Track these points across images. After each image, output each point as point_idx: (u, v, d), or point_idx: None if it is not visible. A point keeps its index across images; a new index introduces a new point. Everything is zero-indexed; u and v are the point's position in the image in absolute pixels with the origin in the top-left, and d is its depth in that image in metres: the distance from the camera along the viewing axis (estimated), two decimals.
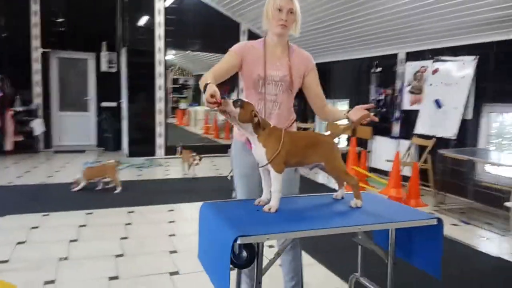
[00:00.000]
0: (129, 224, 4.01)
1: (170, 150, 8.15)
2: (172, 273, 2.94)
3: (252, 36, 8.41)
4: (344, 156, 6.34)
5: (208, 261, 1.72)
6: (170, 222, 4.13)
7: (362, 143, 6.79)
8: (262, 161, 1.79)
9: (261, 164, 1.81)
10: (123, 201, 4.75)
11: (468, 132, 5.24)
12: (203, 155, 6.54)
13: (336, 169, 1.88)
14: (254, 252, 1.59)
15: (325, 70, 8.38)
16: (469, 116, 5.22)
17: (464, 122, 5.22)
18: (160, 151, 8.14)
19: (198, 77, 9.94)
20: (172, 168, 7.07)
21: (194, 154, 6.30)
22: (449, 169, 5.00)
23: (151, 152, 8.04)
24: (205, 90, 1.84)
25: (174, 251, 3.35)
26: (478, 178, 5.04)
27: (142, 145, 7.93)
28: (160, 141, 8.13)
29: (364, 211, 1.82)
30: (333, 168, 1.87)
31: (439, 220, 1.75)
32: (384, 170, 6.24)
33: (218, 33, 8.19)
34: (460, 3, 4.57)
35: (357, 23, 6.09)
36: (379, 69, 6.78)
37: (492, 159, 4.53)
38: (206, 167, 7.05)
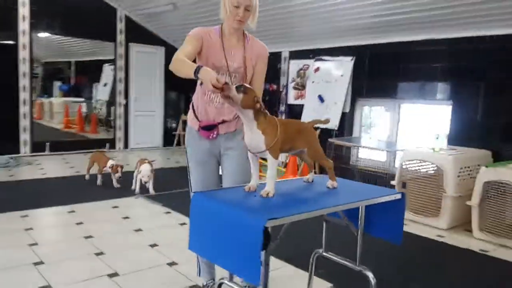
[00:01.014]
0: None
1: (37, 147, 7.23)
2: None
3: (130, 22, 7.99)
4: None
5: (219, 250, 1.69)
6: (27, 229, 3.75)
7: None
8: (259, 148, 1.83)
9: (255, 150, 1.85)
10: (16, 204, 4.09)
11: (346, 123, 6.00)
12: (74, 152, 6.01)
13: (317, 153, 2.04)
14: (269, 236, 1.64)
15: None
16: (347, 109, 5.98)
17: (343, 115, 5.95)
18: (25, 148, 7.14)
19: (48, 64, 8.81)
20: (47, 167, 6.30)
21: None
22: (336, 155, 5.66)
23: (15, 150, 6.99)
24: (196, 72, 1.81)
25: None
26: (356, 162, 5.83)
27: (3, 141, 6.83)
28: (25, 136, 7.13)
29: (342, 191, 2.02)
30: (315, 153, 2.03)
31: (403, 194, 2.06)
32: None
33: (92, 18, 7.53)
34: (340, 9, 5.17)
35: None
36: None
37: (363, 145, 5.31)
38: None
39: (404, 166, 4.31)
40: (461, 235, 3.90)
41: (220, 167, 2.33)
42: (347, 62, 5.90)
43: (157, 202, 4.52)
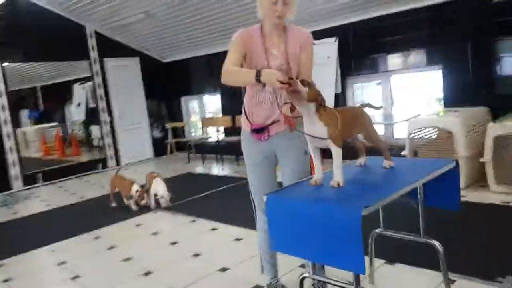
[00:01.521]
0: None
1: (29, 180, 7.01)
2: None
3: (101, 37, 7.80)
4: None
5: (310, 246, 1.71)
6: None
7: None
8: (322, 139, 1.86)
9: (318, 142, 1.88)
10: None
11: (340, 103, 6.10)
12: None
13: (373, 136, 2.09)
14: None
15: (187, 65, 8.44)
16: (339, 89, 6.07)
17: (336, 96, 6.03)
18: (17, 183, 6.89)
19: (12, 93, 8.32)
20: (47, 198, 6.12)
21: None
22: None
23: (7, 186, 6.74)
24: (258, 77, 1.83)
25: None
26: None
27: None
28: (15, 171, 6.88)
29: (402, 170, 2.07)
30: (371, 135, 2.08)
31: (457, 162, 2.14)
32: None
33: (61, 39, 7.27)
34: None
35: (221, 16, 6.33)
36: None
37: None
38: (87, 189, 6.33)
39: (412, 135, 4.43)
40: (479, 192, 4.07)
41: (275, 167, 2.35)
42: (332, 43, 5.97)
43: (178, 213, 4.49)
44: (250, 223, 3.73)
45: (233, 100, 7.68)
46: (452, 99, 5.00)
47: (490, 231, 3.15)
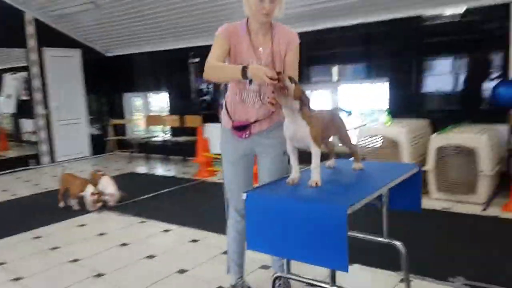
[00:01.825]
0: None
1: None
2: None
3: (41, 25, 7.29)
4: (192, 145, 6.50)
5: (291, 245, 1.72)
6: None
7: (194, 131, 7.03)
8: (303, 140, 1.87)
9: (299, 142, 1.90)
10: None
11: None
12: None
13: (346, 138, 2.15)
14: None
15: (132, 61, 8.13)
16: None
17: None
18: None
19: None
20: None
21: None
22: None
23: None
24: (244, 73, 1.81)
25: None
26: None
27: None
28: None
29: (371, 172, 2.16)
30: (346, 139, 2.14)
31: (419, 166, 2.27)
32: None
33: None
34: None
35: (171, 14, 6.20)
36: (197, 60, 7.08)
37: None
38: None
39: (361, 143, 4.64)
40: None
41: (253, 166, 2.32)
42: None
43: (124, 213, 4.29)
44: (206, 225, 3.69)
45: (182, 100, 7.55)
46: (397, 111, 5.31)
47: (435, 235, 3.37)
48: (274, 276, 2.00)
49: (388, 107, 5.40)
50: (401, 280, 2.58)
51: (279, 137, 2.16)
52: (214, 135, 6.63)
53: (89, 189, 4.29)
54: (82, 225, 4.03)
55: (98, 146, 8.39)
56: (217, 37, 2.08)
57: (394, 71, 5.35)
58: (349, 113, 2.37)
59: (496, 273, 2.61)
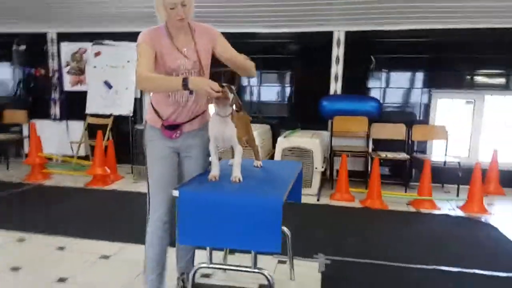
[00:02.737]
0: None
1: None
2: None
3: None
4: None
5: (226, 235, 1.89)
6: None
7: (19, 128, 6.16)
8: (230, 140, 2.09)
9: (225, 142, 2.11)
10: None
11: (140, 108, 6.14)
12: None
13: (252, 139, 2.43)
14: None
15: None
16: (138, 95, 6.09)
17: (135, 100, 6.02)
18: None
19: None
20: None
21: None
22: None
23: None
24: (185, 84, 1.90)
25: None
26: None
27: None
28: None
29: (274, 169, 2.49)
30: (252, 140, 2.43)
31: (302, 163, 2.74)
32: (68, 154, 6.06)
33: None
34: None
35: None
36: (23, 47, 6.24)
37: None
38: None
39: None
40: None
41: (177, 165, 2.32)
42: (133, 48, 5.94)
43: None
44: (65, 230, 3.42)
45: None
46: None
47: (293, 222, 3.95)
48: (197, 267, 2.12)
49: None
50: (279, 262, 3.02)
51: (204, 137, 2.29)
52: (47, 133, 6.01)
53: None
54: None
55: None
56: (141, 45, 2.07)
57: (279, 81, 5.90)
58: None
59: (340, 247, 3.30)
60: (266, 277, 2.03)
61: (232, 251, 2.95)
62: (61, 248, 3.19)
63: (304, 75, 5.65)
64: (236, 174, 2.11)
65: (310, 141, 4.82)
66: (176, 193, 1.95)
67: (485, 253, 3.29)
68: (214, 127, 2.09)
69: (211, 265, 2.17)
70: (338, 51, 5.50)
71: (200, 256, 2.36)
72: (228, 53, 2.22)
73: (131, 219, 3.88)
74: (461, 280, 2.79)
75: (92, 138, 5.93)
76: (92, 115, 6.01)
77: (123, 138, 5.92)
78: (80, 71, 6.16)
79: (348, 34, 5.45)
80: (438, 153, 5.38)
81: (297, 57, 5.66)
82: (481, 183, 4.44)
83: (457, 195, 4.92)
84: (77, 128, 6.13)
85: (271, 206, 1.85)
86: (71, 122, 6.22)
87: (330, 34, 5.48)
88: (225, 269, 2.82)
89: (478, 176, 4.42)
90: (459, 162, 4.96)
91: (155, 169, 2.25)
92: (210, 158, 2.25)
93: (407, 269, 2.94)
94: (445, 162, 5.08)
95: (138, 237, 3.31)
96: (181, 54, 2.14)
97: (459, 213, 4.37)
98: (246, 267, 2.12)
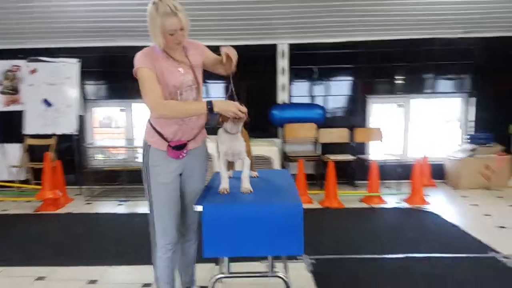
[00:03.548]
0: None
1: None
2: None
3: None
4: None
5: (251, 244, 2.01)
6: None
7: None
8: (239, 154, 2.23)
9: (235, 156, 2.24)
10: None
11: (84, 125, 5.89)
12: None
13: (250, 152, 2.58)
14: None
15: None
16: (83, 112, 5.85)
17: (80, 118, 5.76)
18: None
19: None
20: None
21: None
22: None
23: None
24: (210, 108, 2.02)
25: None
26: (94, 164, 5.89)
27: None
28: None
29: (271, 178, 2.63)
30: (249, 152, 2.57)
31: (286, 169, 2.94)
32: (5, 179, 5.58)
33: None
34: (55, 11, 4.95)
35: None
36: None
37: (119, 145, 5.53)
38: None
39: None
40: None
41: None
42: (73, 64, 5.71)
43: None
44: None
45: None
46: None
47: None
48: (215, 277, 2.20)
49: None
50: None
51: (204, 153, 2.38)
52: None
53: None
54: None
55: None
56: (142, 70, 2.05)
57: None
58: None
59: (316, 246, 3.55)
60: (285, 281, 2.19)
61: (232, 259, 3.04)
62: (41, 278, 3.02)
63: (252, 86, 5.86)
64: (247, 185, 2.23)
65: (269, 149, 5.05)
66: (199, 208, 2.03)
67: (436, 237, 3.76)
68: (224, 143, 2.20)
69: (229, 275, 2.27)
70: (283, 63, 5.82)
71: (200, 268, 2.45)
72: (213, 57, 2.29)
73: (105, 241, 3.79)
74: (428, 264, 3.19)
75: (34, 160, 5.57)
76: (32, 136, 5.64)
77: (68, 158, 5.64)
78: (14, 90, 5.75)
79: (291, 46, 5.79)
80: (376, 152, 5.94)
81: (244, 69, 5.85)
82: (421, 177, 5.02)
83: (399, 189, 5.48)
84: (14, 151, 5.70)
85: (293, 212, 2.02)
86: (7, 145, 5.77)
87: (274, 47, 5.78)
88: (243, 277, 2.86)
89: (419, 171, 4.99)
90: (398, 160, 5.53)
91: (162, 195, 2.23)
92: (214, 172, 2.35)
93: (382, 260, 3.27)
94: (384, 160, 5.63)
95: (120, 258, 3.30)
96: (180, 72, 2.16)
97: (405, 205, 4.89)
98: (263, 272, 2.25)
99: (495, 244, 3.49)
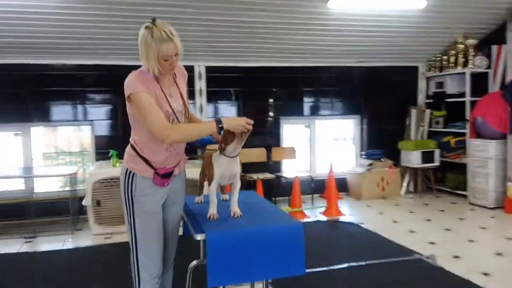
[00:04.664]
0: None
1: None
2: None
3: None
4: None
5: (254, 268, 1.99)
6: None
7: None
8: (234, 175, 2.20)
9: (230, 179, 2.21)
10: None
11: None
12: None
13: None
14: None
15: None
16: None
17: None
18: None
19: None
20: None
21: None
22: None
23: None
24: (219, 125, 1.98)
25: None
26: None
27: None
28: None
29: (247, 201, 2.59)
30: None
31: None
32: None
33: None
34: None
35: None
36: None
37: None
38: None
39: (95, 186, 4.59)
40: None
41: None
42: None
43: None
44: None
45: None
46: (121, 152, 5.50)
47: None
48: None
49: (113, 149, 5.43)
50: None
51: (184, 180, 2.31)
52: None
53: None
54: None
55: None
56: (141, 95, 1.94)
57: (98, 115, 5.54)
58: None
59: None
60: None
61: None
62: None
63: None
64: (236, 209, 2.23)
65: (196, 170, 4.96)
66: (202, 236, 1.97)
67: (366, 245, 4.16)
68: (222, 167, 2.14)
69: None
70: (200, 84, 5.84)
71: None
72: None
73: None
74: (370, 271, 3.51)
75: None
76: None
77: None
78: None
79: (208, 69, 5.86)
80: (289, 169, 6.31)
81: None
82: (336, 191, 5.49)
83: (314, 203, 5.89)
84: None
85: (295, 231, 2.10)
86: None
87: (192, 68, 5.77)
88: None
89: (333, 186, 5.46)
90: (311, 176, 5.96)
91: (149, 225, 2.11)
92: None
93: (335, 271, 3.49)
94: (299, 177, 6.00)
95: None
96: (171, 97, 2.10)
97: (324, 218, 5.28)
98: None
99: (413, 247, 4.01)
